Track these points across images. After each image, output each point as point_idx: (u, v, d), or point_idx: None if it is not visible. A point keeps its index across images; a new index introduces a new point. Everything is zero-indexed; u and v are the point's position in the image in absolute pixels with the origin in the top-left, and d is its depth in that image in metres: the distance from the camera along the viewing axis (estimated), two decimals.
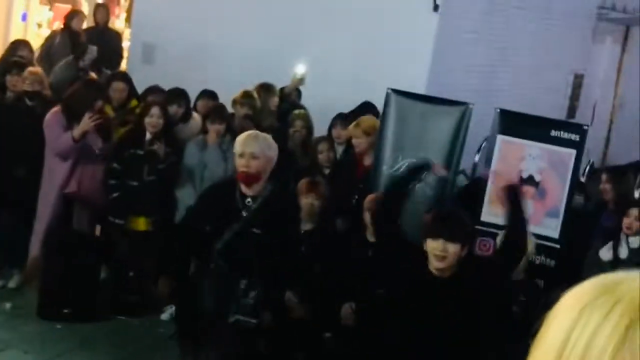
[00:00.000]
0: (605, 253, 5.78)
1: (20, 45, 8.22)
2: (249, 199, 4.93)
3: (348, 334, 5.76)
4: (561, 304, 1.07)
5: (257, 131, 5.31)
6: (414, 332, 4.25)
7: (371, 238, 5.89)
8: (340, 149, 7.17)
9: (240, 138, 5.04)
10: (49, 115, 6.75)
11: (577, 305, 1.04)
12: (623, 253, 5.72)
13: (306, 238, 5.89)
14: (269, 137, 5.14)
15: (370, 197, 5.93)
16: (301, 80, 8.18)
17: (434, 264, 4.20)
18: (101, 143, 6.78)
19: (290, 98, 8.28)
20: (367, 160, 6.73)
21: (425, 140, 6.37)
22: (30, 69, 7.31)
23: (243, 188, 4.95)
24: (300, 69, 8.09)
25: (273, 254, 4.89)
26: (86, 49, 8.35)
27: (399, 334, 4.36)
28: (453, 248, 4.15)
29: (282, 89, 8.13)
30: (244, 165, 4.85)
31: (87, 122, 6.62)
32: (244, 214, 4.92)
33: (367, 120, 6.86)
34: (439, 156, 6.31)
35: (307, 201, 6.03)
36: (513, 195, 4.58)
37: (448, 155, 6.33)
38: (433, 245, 4.18)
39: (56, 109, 6.79)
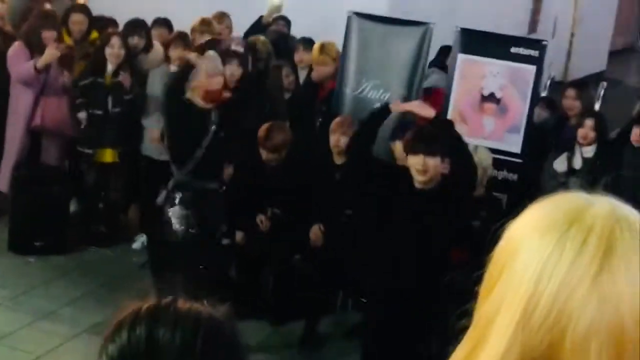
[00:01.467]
0: (560, 164, 5.93)
1: None
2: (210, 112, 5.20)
3: (317, 256, 5.89)
4: (523, 229, 1.07)
5: (213, 51, 5.39)
6: (390, 244, 4.46)
7: (338, 161, 5.97)
8: (303, 74, 7.20)
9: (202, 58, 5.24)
10: (11, 49, 6.73)
11: (547, 236, 1.03)
12: (577, 163, 5.87)
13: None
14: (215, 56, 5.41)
15: (338, 120, 5.99)
16: (278, 8, 8.14)
17: (417, 178, 4.41)
18: (65, 75, 6.76)
19: (274, 26, 8.24)
20: (328, 83, 6.77)
21: (388, 62, 6.41)
22: None
23: (204, 104, 5.23)
24: None
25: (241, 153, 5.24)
26: None
27: (373, 247, 4.53)
28: (433, 161, 4.37)
29: (260, 18, 8.10)
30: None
31: (51, 52, 6.59)
32: (213, 127, 5.12)
33: (331, 45, 6.88)
34: (402, 77, 6.37)
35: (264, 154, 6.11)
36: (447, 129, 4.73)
37: (410, 75, 6.38)
38: (414, 161, 4.39)
39: (18, 42, 6.76)
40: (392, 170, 4.89)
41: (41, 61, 6.60)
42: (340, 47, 6.77)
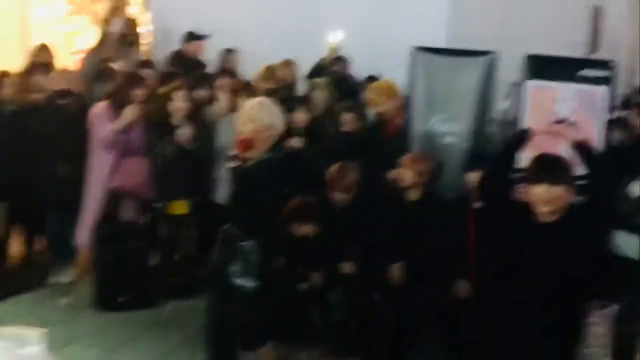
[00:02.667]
0: (636, 188, 5.75)
1: (41, 49, 8.28)
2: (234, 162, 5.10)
3: (398, 294, 5.85)
4: None
5: (264, 98, 5.33)
6: (520, 280, 4.23)
7: (413, 197, 5.95)
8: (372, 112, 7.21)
9: (246, 105, 5.17)
10: (97, 109, 6.87)
11: None
12: None
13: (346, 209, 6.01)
14: (272, 105, 5.15)
15: (409, 157, 5.98)
16: (336, 49, 8.21)
17: (541, 210, 4.15)
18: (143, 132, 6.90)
19: (334, 67, 8.31)
20: (396, 120, 6.77)
21: (455, 94, 6.39)
22: (58, 67, 7.40)
23: (240, 154, 5.04)
24: (334, 37, 8.11)
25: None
26: (108, 35, 8.39)
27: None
28: (558, 191, 4.13)
29: (320, 61, 8.18)
30: (240, 129, 4.98)
31: (129, 112, 6.72)
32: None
33: (379, 85, 6.90)
34: (470, 108, 6.35)
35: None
36: (584, 152, 4.47)
37: (479, 106, 6.35)
38: (537, 191, 4.16)
39: (105, 102, 6.91)
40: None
41: (120, 122, 6.74)
42: (400, 83, 6.79)
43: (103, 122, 6.82)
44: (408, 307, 5.73)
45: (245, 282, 5.02)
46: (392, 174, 5.95)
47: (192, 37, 8.92)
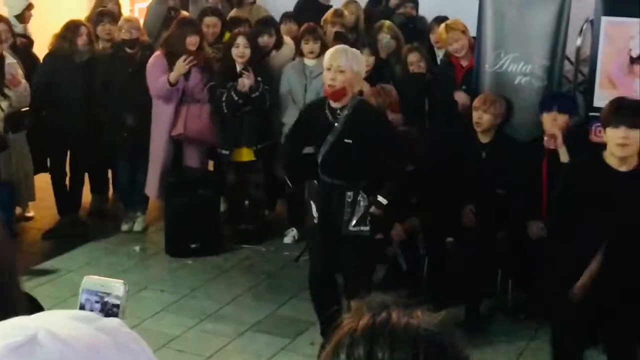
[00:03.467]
0: None
1: None
2: (338, 112, 5.00)
3: (470, 237, 5.78)
4: None
5: (346, 46, 5.28)
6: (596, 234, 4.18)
7: (483, 139, 5.85)
8: (441, 53, 7.08)
9: (329, 52, 5.09)
10: (150, 60, 6.86)
11: None
12: None
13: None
14: (357, 52, 5.16)
15: (480, 98, 5.87)
16: None
17: (617, 152, 4.13)
18: (206, 80, 6.87)
19: (402, 9, 8.17)
20: (464, 62, 6.63)
21: (526, 33, 6.20)
22: (125, 16, 7.39)
23: (332, 103, 5.01)
24: None
25: (369, 162, 4.97)
26: None
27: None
28: (634, 134, 4.09)
29: (388, 2, 8.04)
30: (330, 78, 4.92)
31: (181, 65, 6.70)
32: (336, 125, 4.98)
33: (455, 21, 6.79)
34: (543, 47, 6.16)
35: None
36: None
37: (552, 44, 6.16)
38: (614, 134, 4.11)
39: (157, 53, 6.89)
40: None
41: (173, 75, 6.72)
42: (469, 25, 6.63)
43: (156, 74, 6.79)
44: (482, 250, 5.66)
45: (361, 228, 5.03)
46: (474, 116, 5.83)
47: None
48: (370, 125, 5.02)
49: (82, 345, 0.98)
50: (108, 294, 1.31)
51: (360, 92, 5.55)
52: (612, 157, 4.19)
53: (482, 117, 5.82)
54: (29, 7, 8.45)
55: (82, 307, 1.30)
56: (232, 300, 6.03)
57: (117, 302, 1.30)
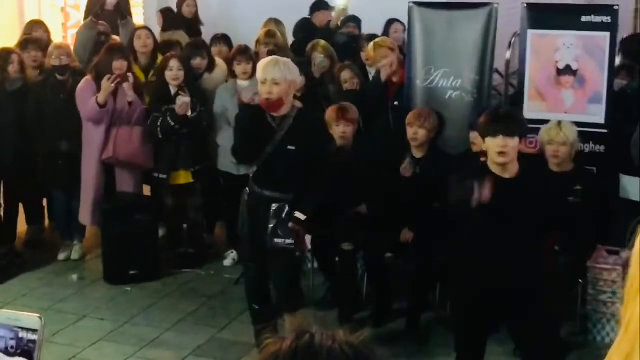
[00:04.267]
0: None
1: (35, 25, 8.18)
2: (279, 121, 5.02)
3: (409, 253, 5.84)
4: None
5: (277, 57, 5.29)
6: (484, 234, 4.31)
7: (417, 154, 5.91)
8: (373, 71, 7.14)
9: (261, 65, 5.09)
10: (80, 85, 6.80)
11: None
12: None
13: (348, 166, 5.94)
14: (289, 61, 5.17)
15: (414, 113, 5.94)
16: (345, 10, 8.13)
17: (497, 160, 4.27)
18: (138, 101, 6.83)
19: (344, 29, 8.25)
20: (396, 78, 6.70)
21: (455, 48, 6.31)
22: (55, 43, 7.31)
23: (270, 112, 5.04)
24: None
25: (311, 168, 4.99)
26: (104, 3, 8.30)
27: (469, 239, 4.40)
28: (512, 142, 4.24)
29: (328, 23, 8.11)
30: (266, 92, 4.92)
31: (106, 84, 6.64)
32: (278, 133, 5.01)
33: (384, 39, 6.89)
34: (472, 61, 6.27)
35: (338, 129, 6.04)
36: None
37: (480, 59, 6.27)
38: (493, 143, 4.24)
39: (87, 77, 6.84)
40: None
41: (100, 95, 6.65)
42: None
43: (86, 97, 6.73)
44: (420, 264, 5.72)
45: (284, 241, 5.01)
46: (409, 131, 5.89)
47: (321, 6, 8.86)
48: (312, 133, 5.07)
49: None
50: (24, 329, 1.28)
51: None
52: (494, 165, 4.31)
53: (418, 132, 5.88)
54: None
55: None
56: (173, 326, 5.98)
57: (34, 337, 1.28)
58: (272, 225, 4.99)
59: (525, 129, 4.47)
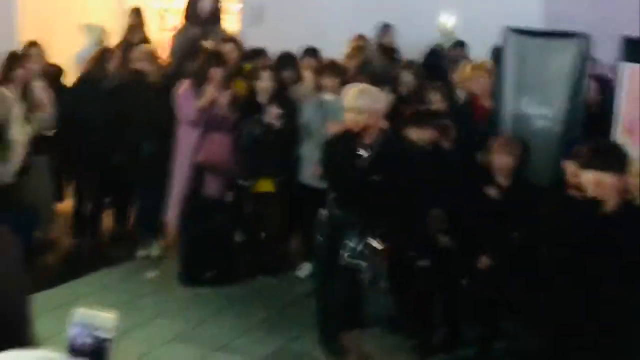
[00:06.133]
0: None
1: (134, 28, 8.43)
2: (362, 150, 5.04)
3: (485, 280, 5.76)
4: None
5: (365, 85, 5.35)
6: (573, 269, 4.21)
7: (502, 182, 5.83)
8: (462, 93, 7.11)
9: (348, 93, 5.14)
10: (180, 88, 6.96)
11: None
12: None
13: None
14: (375, 90, 5.22)
15: (502, 141, 5.86)
16: (451, 32, 8.13)
17: (591, 194, 4.16)
18: (231, 110, 6.95)
19: (453, 53, 8.26)
20: (485, 102, 6.65)
21: (547, 77, 6.21)
22: (141, 46, 7.49)
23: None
24: (447, 20, 8.03)
25: (393, 200, 4.97)
26: (200, 9, 8.48)
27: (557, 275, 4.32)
28: (608, 178, 4.12)
29: (436, 46, 8.14)
30: (351, 120, 5.01)
31: (210, 91, 6.78)
32: (363, 159, 5.03)
33: (484, 62, 6.83)
34: (563, 91, 6.16)
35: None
36: None
37: (572, 89, 6.16)
38: (587, 177, 4.15)
39: (186, 82, 6.99)
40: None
41: (202, 101, 6.80)
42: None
43: (187, 101, 6.89)
44: (498, 293, 5.65)
45: (355, 262, 5.03)
46: (484, 157, 5.83)
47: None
48: (398, 163, 5.08)
49: None
50: (99, 328, 1.32)
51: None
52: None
53: (504, 161, 5.79)
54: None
55: (71, 341, 1.32)
56: (244, 332, 6.04)
57: (108, 336, 1.32)
58: (348, 247, 5.01)
59: (625, 165, 4.26)
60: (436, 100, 6.93)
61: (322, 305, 5.37)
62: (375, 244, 5.01)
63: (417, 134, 5.89)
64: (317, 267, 5.48)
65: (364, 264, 5.04)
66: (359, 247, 5.01)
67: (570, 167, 5.37)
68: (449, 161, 6.07)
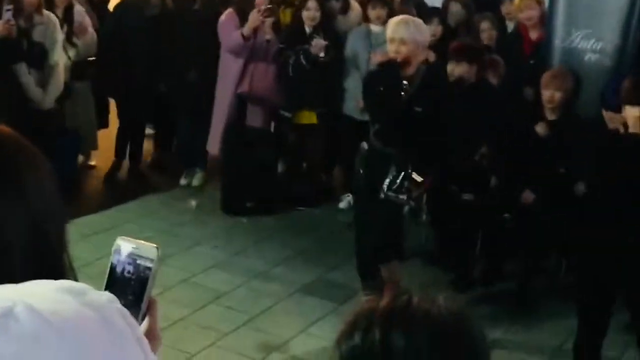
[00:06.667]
0: None
1: None
2: (405, 82, 4.94)
3: (529, 215, 5.69)
4: None
5: (409, 16, 5.26)
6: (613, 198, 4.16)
7: (551, 117, 5.70)
8: (511, 25, 6.94)
9: (391, 23, 5.07)
10: (223, 16, 6.87)
11: None
12: None
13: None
14: (419, 22, 5.14)
15: (551, 74, 5.72)
16: None
17: (635, 130, 4.10)
18: (275, 38, 6.86)
19: None
20: (534, 35, 6.49)
21: (600, 9, 6.02)
22: None
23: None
24: None
25: (435, 132, 4.92)
26: None
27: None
28: None
29: None
30: (393, 51, 4.94)
31: (254, 17, 6.69)
32: (402, 94, 4.93)
33: None
34: (615, 25, 5.98)
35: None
36: None
37: (625, 23, 5.98)
38: (632, 113, 4.07)
39: (229, 10, 6.90)
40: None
41: (247, 27, 6.71)
42: None
43: (229, 29, 6.80)
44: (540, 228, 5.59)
45: (397, 196, 4.98)
46: (545, 93, 5.69)
47: None
48: (440, 95, 5.02)
49: (62, 320, 0.92)
50: (141, 257, 1.30)
51: (426, 61, 5.46)
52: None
53: (554, 95, 5.65)
54: None
55: (113, 268, 1.29)
56: (283, 261, 6.07)
57: (150, 265, 1.29)
58: (388, 180, 4.95)
59: None
60: (486, 29, 6.77)
61: (361, 237, 5.35)
62: (416, 176, 4.95)
63: (461, 69, 5.77)
64: (358, 200, 5.45)
65: (403, 197, 4.99)
66: (399, 180, 4.96)
67: (607, 115, 5.21)
68: (495, 97, 5.96)
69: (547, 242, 5.71)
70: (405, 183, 4.95)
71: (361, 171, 5.18)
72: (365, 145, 5.23)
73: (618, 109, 4.61)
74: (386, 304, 1.25)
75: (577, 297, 4.79)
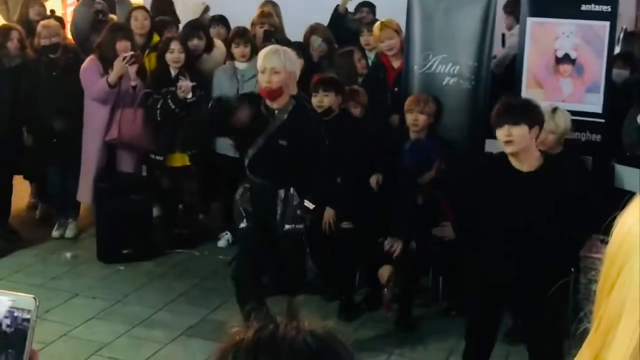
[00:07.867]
0: None
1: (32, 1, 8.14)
2: (275, 112, 4.99)
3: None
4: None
5: (278, 46, 5.30)
6: (499, 227, 4.24)
7: (417, 138, 5.88)
8: (371, 55, 7.13)
9: (262, 54, 5.07)
10: (85, 64, 6.78)
11: None
12: None
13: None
14: (289, 50, 5.17)
15: (412, 99, 5.92)
16: None
17: (505, 150, 4.22)
18: (141, 84, 6.80)
19: (358, 15, 8.18)
20: (396, 63, 6.69)
21: (454, 34, 6.27)
22: (42, 22, 7.24)
23: (268, 102, 5.01)
24: None
25: (300, 165, 4.96)
26: None
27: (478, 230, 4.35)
28: (518, 130, 4.15)
29: (336, 8, 8.06)
30: (265, 81, 4.91)
31: (119, 66, 6.62)
32: (271, 125, 4.98)
33: (390, 20, 6.83)
34: (470, 48, 6.24)
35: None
36: None
37: (479, 45, 6.24)
38: (500, 133, 4.21)
39: (91, 57, 6.81)
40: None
41: (112, 75, 6.64)
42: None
43: (93, 77, 6.72)
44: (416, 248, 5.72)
45: (294, 227, 5.04)
46: (408, 117, 5.87)
47: None
48: (306, 131, 5.02)
49: None
50: (18, 309, 1.28)
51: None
52: (512, 158, 4.23)
53: (418, 118, 5.85)
54: None
55: None
56: (165, 306, 5.98)
57: (28, 316, 1.28)
58: (280, 212, 5.00)
59: (535, 117, 4.26)
60: (358, 58, 6.91)
61: (246, 275, 5.29)
62: (308, 203, 5.01)
63: (330, 100, 5.89)
64: (246, 237, 5.34)
65: (300, 226, 5.06)
66: (292, 211, 5.00)
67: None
68: (358, 127, 6.08)
69: (424, 264, 5.85)
70: (298, 212, 5.00)
71: (249, 209, 5.14)
72: (245, 185, 5.20)
73: None
74: (252, 336, 1.26)
75: (464, 314, 4.87)
